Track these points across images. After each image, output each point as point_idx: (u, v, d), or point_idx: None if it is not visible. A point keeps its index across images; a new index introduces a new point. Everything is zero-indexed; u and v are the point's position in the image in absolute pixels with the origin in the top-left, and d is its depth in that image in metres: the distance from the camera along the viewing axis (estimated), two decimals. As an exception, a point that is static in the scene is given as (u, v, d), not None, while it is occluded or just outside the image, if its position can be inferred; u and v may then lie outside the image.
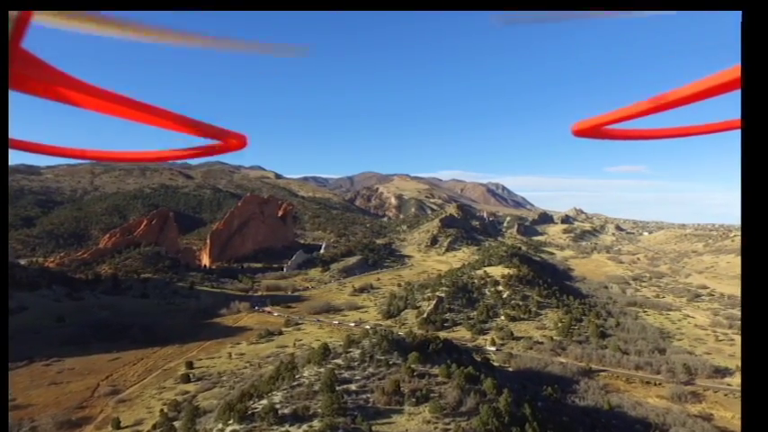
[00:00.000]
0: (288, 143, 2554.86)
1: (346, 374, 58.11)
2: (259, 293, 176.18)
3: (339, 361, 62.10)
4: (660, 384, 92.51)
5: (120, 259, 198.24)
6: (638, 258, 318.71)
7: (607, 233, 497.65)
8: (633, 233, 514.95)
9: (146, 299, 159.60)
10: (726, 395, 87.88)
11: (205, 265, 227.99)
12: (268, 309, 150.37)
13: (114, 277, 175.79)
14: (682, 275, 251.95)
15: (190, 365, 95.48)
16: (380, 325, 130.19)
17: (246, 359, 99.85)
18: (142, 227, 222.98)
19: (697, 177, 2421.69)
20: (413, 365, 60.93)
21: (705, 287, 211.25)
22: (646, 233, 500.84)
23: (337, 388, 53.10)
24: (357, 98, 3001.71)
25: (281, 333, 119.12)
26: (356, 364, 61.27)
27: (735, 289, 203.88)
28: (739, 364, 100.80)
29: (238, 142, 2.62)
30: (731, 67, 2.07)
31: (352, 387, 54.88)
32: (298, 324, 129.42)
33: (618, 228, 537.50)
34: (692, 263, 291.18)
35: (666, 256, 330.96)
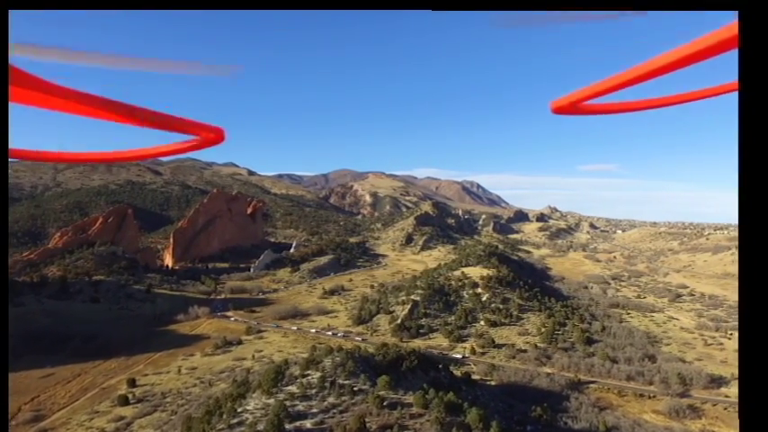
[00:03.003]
0: (263, 140, 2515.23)
1: (301, 406, 47.39)
2: (222, 296, 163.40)
3: (293, 388, 51.32)
4: (654, 397, 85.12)
5: (70, 260, 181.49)
6: (615, 257, 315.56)
7: (582, 231, 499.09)
8: (607, 231, 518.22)
9: (96, 304, 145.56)
10: (725, 409, 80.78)
11: (167, 266, 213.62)
12: (229, 314, 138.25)
13: (63, 280, 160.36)
14: (660, 274, 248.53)
15: (132, 383, 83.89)
16: (350, 332, 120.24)
17: (197, 375, 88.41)
18: (97, 225, 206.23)
19: (666, 176, 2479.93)
20: (382, 392, 50.85)
21: (685, 286, 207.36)
22: (619, 231, 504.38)
23: (288, 426, 42.67)
24: (333, 95, 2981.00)
25: (240, 342, 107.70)
26: (314, 391, 50.59)
27: (715, 288, 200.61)
28: (734, 373, 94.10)
29: (215, 136, 2.44)
30: (725, 25, 1.94)
31: (307, 424, 44.15)
32: (260, 332, 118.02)
33: (592, 226, 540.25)
34: (670, 261, 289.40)
35: (643, 254, 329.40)
